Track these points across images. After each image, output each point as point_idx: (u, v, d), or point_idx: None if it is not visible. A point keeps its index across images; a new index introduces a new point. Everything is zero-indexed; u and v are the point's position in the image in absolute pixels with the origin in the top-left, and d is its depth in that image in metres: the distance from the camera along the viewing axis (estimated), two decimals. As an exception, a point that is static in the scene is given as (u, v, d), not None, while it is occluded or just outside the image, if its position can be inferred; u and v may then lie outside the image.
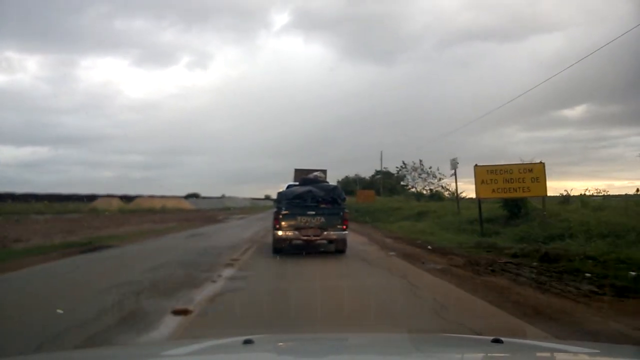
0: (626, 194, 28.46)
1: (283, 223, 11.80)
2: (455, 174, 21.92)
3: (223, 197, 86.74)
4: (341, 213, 12.01)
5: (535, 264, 9.35)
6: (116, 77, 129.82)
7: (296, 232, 11.83)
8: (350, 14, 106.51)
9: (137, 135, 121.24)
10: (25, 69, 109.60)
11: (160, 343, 4.27)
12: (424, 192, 42.86)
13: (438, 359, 2.24)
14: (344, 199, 12.54)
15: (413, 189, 46.70)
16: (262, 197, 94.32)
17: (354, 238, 15.34)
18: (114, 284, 7.64)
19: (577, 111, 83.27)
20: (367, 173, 62.43)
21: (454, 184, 33.36)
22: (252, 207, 78.15)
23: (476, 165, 15.45)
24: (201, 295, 7.01)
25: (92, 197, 55.36)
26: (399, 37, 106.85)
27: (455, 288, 7.54)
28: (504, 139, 75.37)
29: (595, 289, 6.96)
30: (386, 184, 53.11)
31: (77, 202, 50.20)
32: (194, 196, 78.50)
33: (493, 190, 15.15)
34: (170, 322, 5.39)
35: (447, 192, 38.59)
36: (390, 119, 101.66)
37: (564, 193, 19.56)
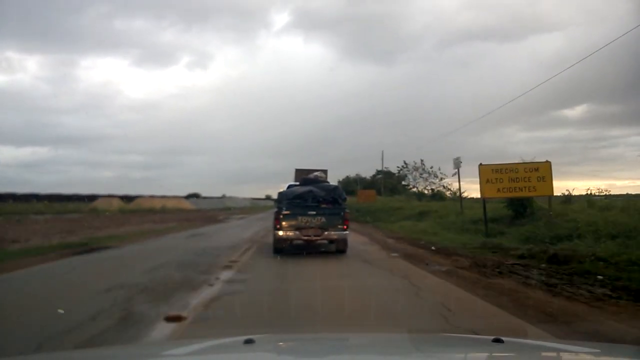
0: (627, 194, 28.29)
1: (284, 223, 11.68)
2: (458, 173, 21.69)
3: (223, 197, 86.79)
4: (342, 213, 11.88)
5: (543, 265, 9.08)
6: (116, 77, 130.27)
7: (297, 232, 11.72)
8: (350, 14, 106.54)
9: (137, 135, 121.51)
10: (25, 69, 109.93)
11: (160, 343, 4.21)
12: (426, 191, 42.72)
13: (438, 359, 2.23)
14: (344, 199, 12.45)
15: (414, 189, 46.55)
16: (263, 197, 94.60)
17: (354, 238, 15.18)
18: (108, 287, 7.37)
19: (577, 111, 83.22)
20: (367, 173, 62.44)
21: (455, 184, 33.02)
22: (253, 207, 78.08)
23: (481, 164, 15.16)
24: (198, 299, 6.74)
25: (92, 197, 55.44)
26: (399, 37, 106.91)
27: (463, 292, 7.24)
28: (504, 138, 75.33)
29: (609, 292, 6.69)
30: (387, 183, 52.87)
31: (78, 202, 50.24)
32: (194, 196, 78.36)
33: (498, 190, 14.86)
34: (163, 329, 5.12)
35: (449, 192, 38.42)
36: (391, 119, 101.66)
37: (566, 193, 19.35)
